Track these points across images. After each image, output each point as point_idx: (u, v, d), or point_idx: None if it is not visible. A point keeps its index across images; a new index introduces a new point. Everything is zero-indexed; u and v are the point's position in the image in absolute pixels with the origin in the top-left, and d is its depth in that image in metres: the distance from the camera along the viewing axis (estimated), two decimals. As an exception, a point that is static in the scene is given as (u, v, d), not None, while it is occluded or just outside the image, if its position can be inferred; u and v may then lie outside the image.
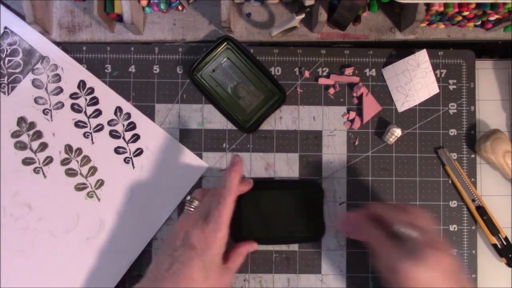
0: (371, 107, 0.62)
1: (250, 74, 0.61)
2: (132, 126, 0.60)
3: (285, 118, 0.62)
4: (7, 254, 0.58)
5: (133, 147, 0.60)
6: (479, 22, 0.61)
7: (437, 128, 0.62)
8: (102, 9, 0.57)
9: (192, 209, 0.54)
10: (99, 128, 0.60)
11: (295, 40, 0.62)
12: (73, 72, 0.60)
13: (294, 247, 0.61)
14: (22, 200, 0.59)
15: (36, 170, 0.59)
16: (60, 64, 0.60)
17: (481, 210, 0.60)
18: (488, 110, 0.63)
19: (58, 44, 0.62)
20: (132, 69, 0.62)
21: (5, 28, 0.59)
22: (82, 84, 0.60)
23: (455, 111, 0.62)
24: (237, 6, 0.61)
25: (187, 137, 0.61)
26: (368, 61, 0.63)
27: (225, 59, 0.61)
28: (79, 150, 0.59)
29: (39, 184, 0.59)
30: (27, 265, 0.57)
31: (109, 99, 0.60)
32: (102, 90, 0.60)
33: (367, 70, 0.62)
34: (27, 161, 0.59)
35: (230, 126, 0.62)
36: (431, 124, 0.62)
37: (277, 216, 0.60)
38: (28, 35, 0.59)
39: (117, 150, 0.60)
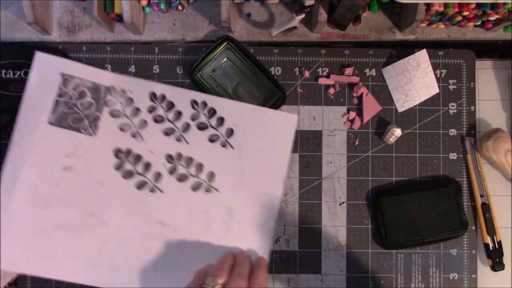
0: (371, 107, 0.62)
1: (250, 74, 0.61)
2: (212, 111, 0.60)
3: (285, 118, 0.62)
4: (167, 271, 0.58)
5: (222, 130, 0.60)
6: (479, 22, 0.61)
7: (437, 128, 0.62)
8: (102, 9, 0.57)
9: None
10: (187, 127, 0.60)
11: (295, 40, 0.62)
12: (141, 88, 0.60)
13: (294, 247, 0.61)
14: (153, 220, 0.59)
15: (152, 190, 0.59)
16: (127, 87, 0.60)
17: (486, 207, 0.60)
18: (488, 110, 0.63)
19: (58, 44, 0.62)
20: (132, 69, 0.62)
21: (62, 74, 0.59)
22: (153, 95, 0.60)
23: (455, 111, 0.62)
24: (237, 6, 0.61)
25: (187, 137, 0.61)
26: (368, 61, 0.63)
27: (225, 59, 0.61)
28: (179, 155, 0.60)
29: (161, 200, 0.59)
30: (184, 280, 0.56)
31: (181, 96, 0.60)
32: (172, 91, 0.60)
33: (367, 70, 0.62)
34: (140, 185, 0.59)
35: (230, 126, 0.62)
36: (431, 124, 0.62)
37: (420, 218, 0.60)
38: (86, 73, 0.59)
39: (211, 139, 0.60)
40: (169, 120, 0.60)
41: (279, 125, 0.60)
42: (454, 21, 0.59)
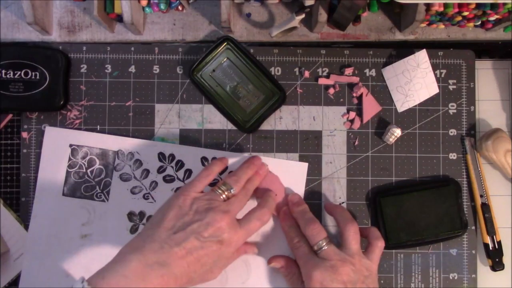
0: (371, 107, 0.62)
1: (250, 74, 0.61)
2: (224, 168, 0.60)
3: (285, 118, 0.62)
4: None
5: None
6: (479, 22, 0.61)
7: (437, 128, 0.62)
8: (102, 9, 0.57)
9: (224, 196, 0.53)
10: None
11: (295, 40, 0.63)
12: (148, 150, 0.61)
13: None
14: None
15: None
16: (134, 149, 0.60)
17: (486, 207, 0.60)
18: (488, 110, 0.63)
19: (58, 44, 0.62)
20: (132, 69, 0.62)
21: (71, 146, 0.60)
22: (161, 156, 0.60)
23: (455, 111, 0.62)
24: (237, 6, 0.61)
25: (187, 137, 0.61)
26: (368, 61, 0.63)
27: (225, 59, 0.61)
28: None
29: None
30: None
31: (191, 155, 0.61)
32: (181, 151, 0.61)
33: (367, 70, 0.62)
34: None
35: (230, 126, 0.62)
36: (431, 124, 0.62)
37: (420, 218, 0.60)
38: (93, 141, 0.60)
39: None
40: (179, 179, 0.60)
41: (291, 174, 0.60)
42: (454, 21, 0.59)
